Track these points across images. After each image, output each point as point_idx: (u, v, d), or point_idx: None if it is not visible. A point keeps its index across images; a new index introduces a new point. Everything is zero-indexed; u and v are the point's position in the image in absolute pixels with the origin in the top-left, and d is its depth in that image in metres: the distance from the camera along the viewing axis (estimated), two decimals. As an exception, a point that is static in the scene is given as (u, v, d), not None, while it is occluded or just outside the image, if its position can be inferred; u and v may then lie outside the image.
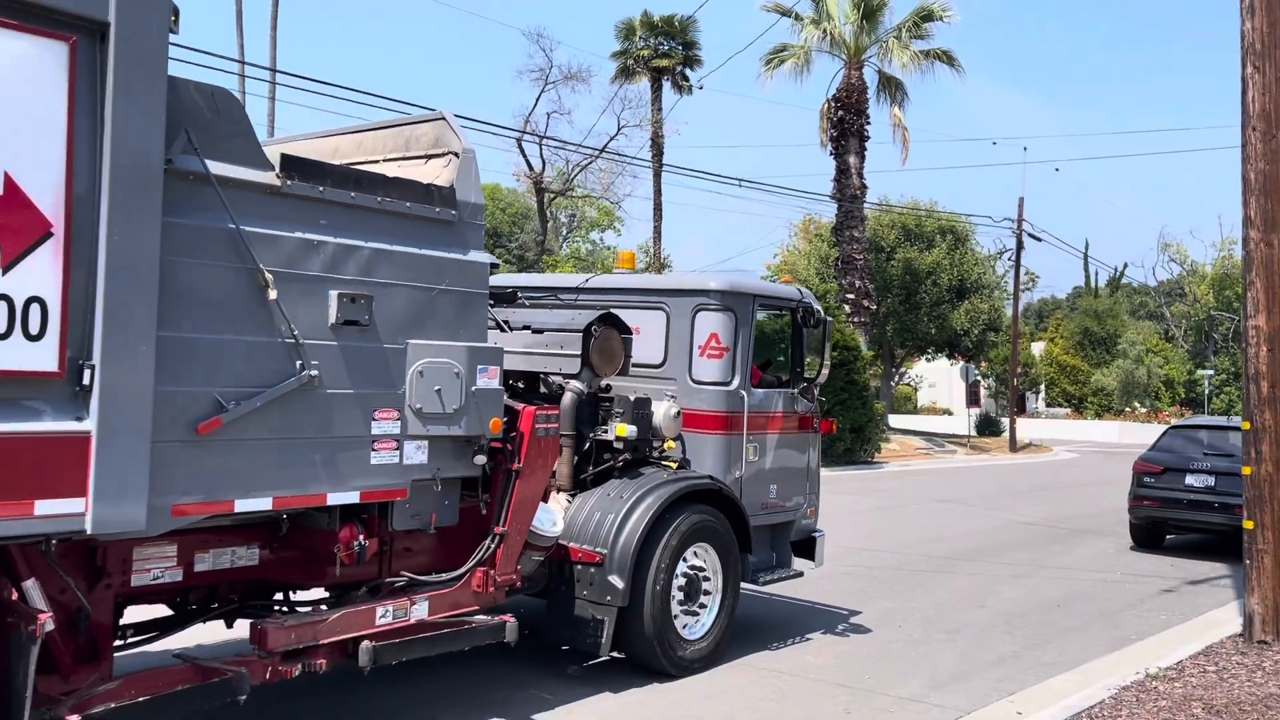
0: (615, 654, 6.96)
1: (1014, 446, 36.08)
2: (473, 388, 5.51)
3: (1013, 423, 36.62)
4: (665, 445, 7.46)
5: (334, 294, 4.96)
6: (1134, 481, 14.00)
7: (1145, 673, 7.19)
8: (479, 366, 5.56)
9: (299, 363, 4.81)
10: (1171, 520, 13.57)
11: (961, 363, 38.00)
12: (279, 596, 5.91)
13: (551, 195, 31.46)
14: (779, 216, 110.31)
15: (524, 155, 29.45)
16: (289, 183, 4.83)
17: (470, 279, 5.59)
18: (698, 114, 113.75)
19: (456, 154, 5.72)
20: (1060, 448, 39.32)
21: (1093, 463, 32.32)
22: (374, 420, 5.14)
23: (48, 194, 3.87)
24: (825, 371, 8.47)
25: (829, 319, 8.64)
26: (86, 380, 3.97)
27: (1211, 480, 13.09)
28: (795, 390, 8.31)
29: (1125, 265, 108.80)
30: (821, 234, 38.17)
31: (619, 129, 28.97)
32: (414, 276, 5.32)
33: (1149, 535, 14.08)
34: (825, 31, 31.29)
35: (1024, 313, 77.88)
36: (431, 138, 6.02)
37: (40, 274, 3.87)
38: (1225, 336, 72.15)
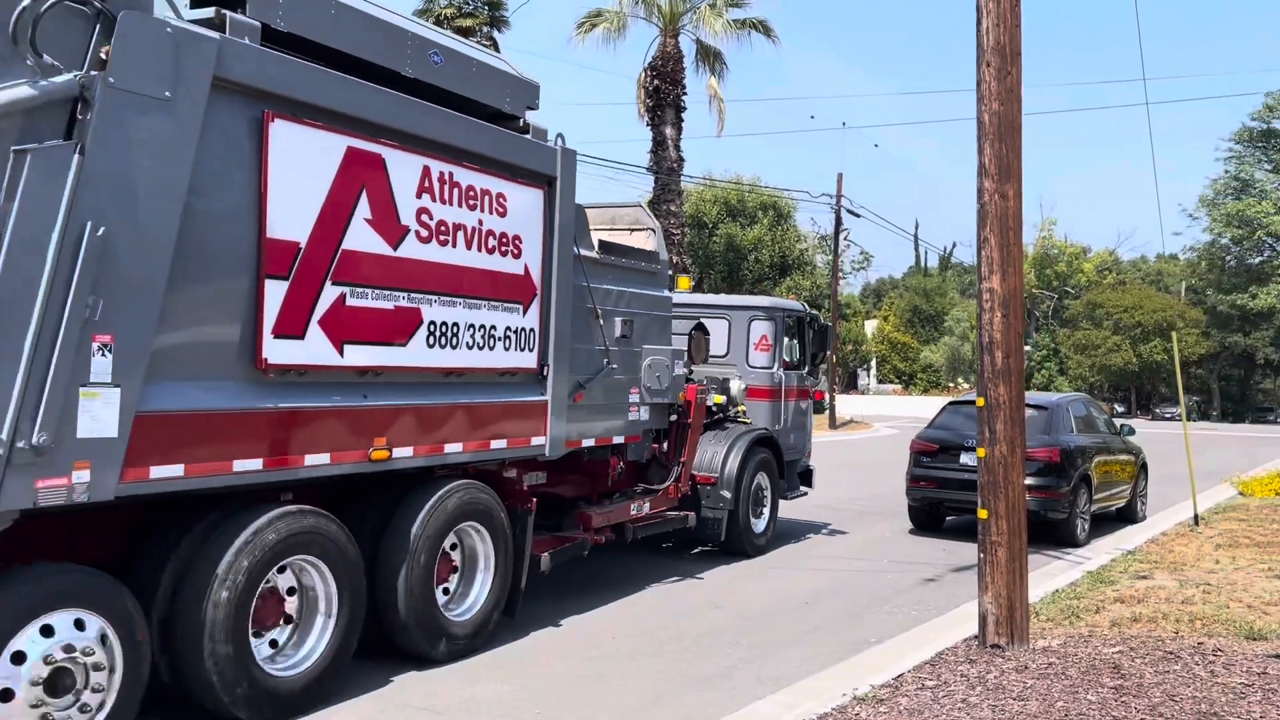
0: (704, 547, 11.17)
1: (833, 424, 35.87)
2: (674, 374, 9.37)
3: (832, 399, 36.41)
4: (739, 408, 11.45)
5: (619, 319, 8.62)
6: (911, 461, 13.24)
7: (853, 694, 6.11)
8: (676, 360, 9.46)
9: (606, 360, 8.38)
10: (948, 502, 12.85)
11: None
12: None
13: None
14: (596, 189, 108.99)
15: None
16: (603, 256, 8.46)
17: (666, 307, 9.50)
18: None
19: (653, 230, 9.83)
20: (882, 424, 39.42)
21: (909, 439, 32.27)
22: (630, 394, 8.88)
23: (536, 272, 7.46)
24: (824, 361, 12.56)
25: (829, 324, 13.23)
26: (545, 374, 7.59)
27: (985, 459, 12.33)
28: (804, 371, 12.71)
29: (954, 245, 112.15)
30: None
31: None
32: (646, 307, 9.12)
33: (926, 517, 13.35)
34: (640, -3, 30.05)
35: (862, 292, 79.12)
36: (633, 217, 10.01)
37: (532, 316, 7.45)
38: (1046, 314, 74.92)
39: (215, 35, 5.20)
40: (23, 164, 4.46)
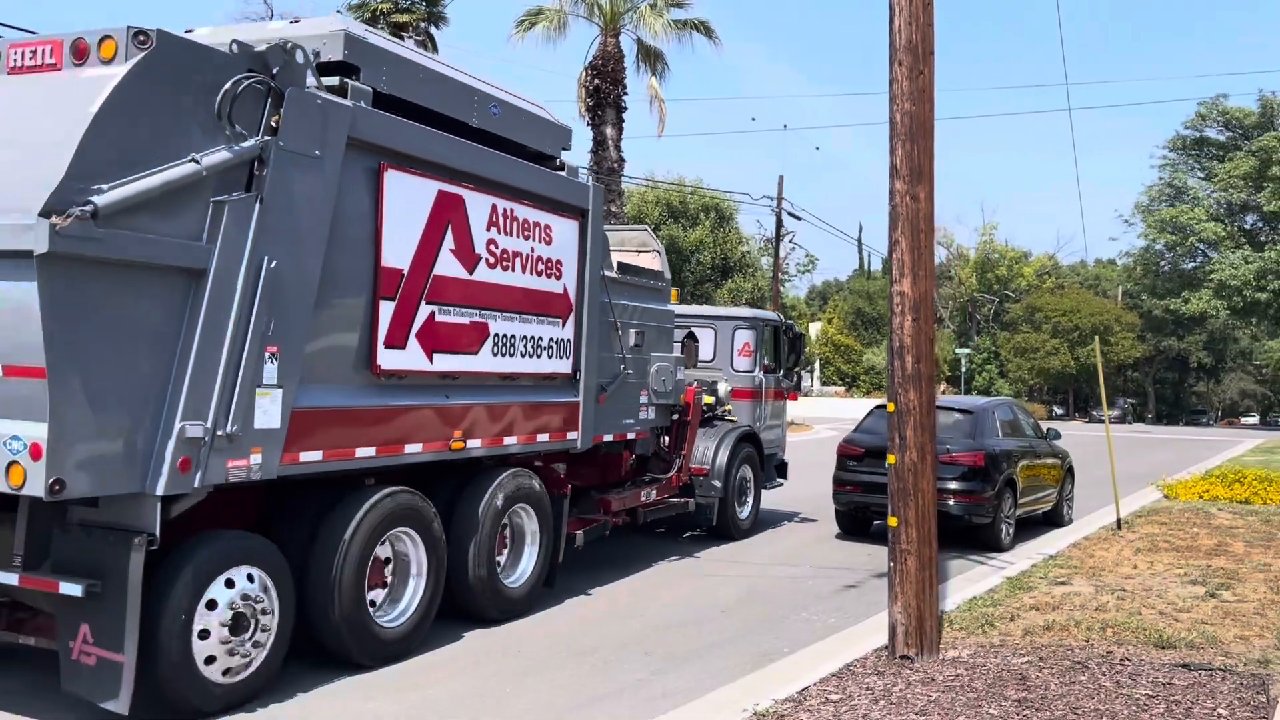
0: (694, 531, 12.56)
1: (775, 426, 35.86)
2: (677, 378, 10.79)
3: (774, 402, 36.41)
4: (726, 408, 12.85)
5: (633, 331, 10.05)
6: (837, 464, 13.11)
7: (754, 709, 5.91)
8: (677, 366, 10.85)
9: (623, 366, 9.83)
10: (874, 506, 12.69)
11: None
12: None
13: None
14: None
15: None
16: (620, 275, 9.89)
17: (669, 319, 11.13)
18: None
19: (658, 251, 11.46)
20: (823, 426, 39.48)
21: (847, 441, 32.29)
22: (641, 396, 10.32)
23: (572, 290, 8.86)
24: (799, 364, 14.79)
25: (802, 333, 14.70)
26: (578, 378, 8.99)
27: (911, 463, 12.23)
28: (780, 374, 14.22)
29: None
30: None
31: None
32: (654, 319, 10.62)
33: (852, 522, 13.24)
34: (580, -5, 29.77)
35: (807, 294, 79.56)
36: (640, 240, 11.53)
37: (569, 328, 8.83)
38: (987, 317, 75.82)
39: (349, 103, 6.52)
40: (221, 212, 5.70)
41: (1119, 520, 12.97)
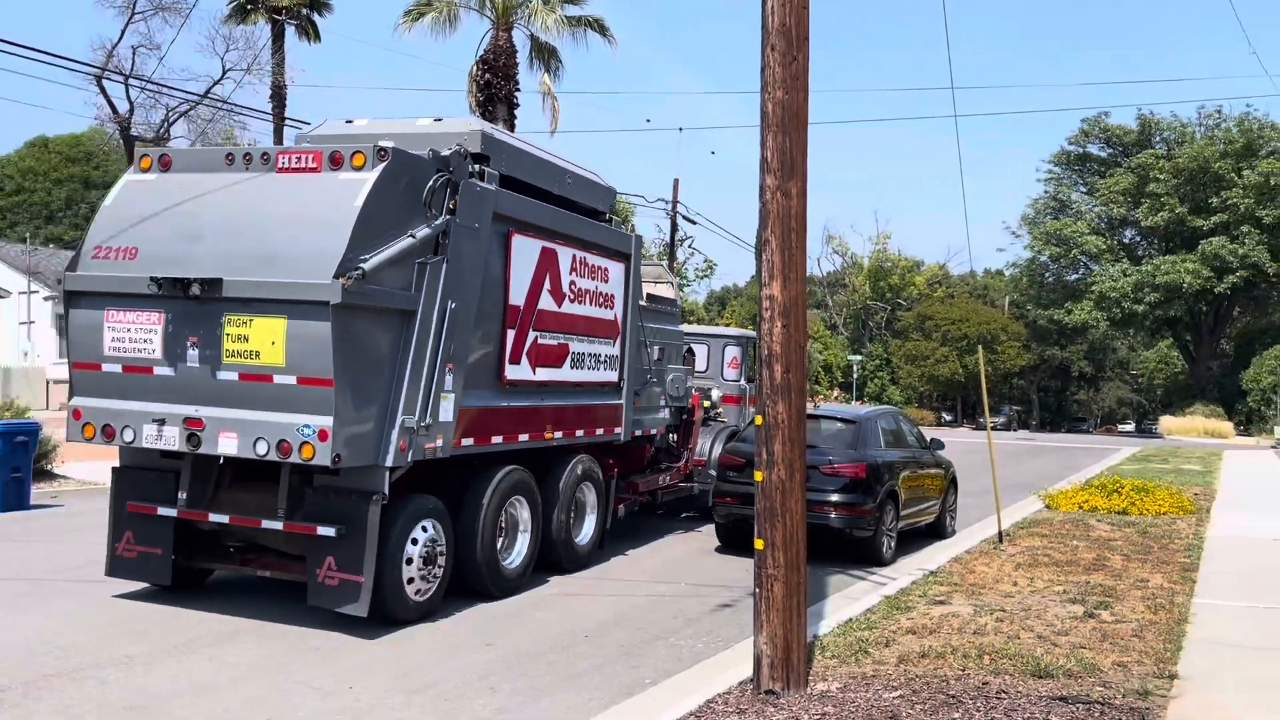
0: (689, 513, 14.92)
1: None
2: (687, 385, 13.67)
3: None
4: (718, 411, 15.70)
5: (656, 347, 12.72)
6: (718, 475, 12.62)
7: (599, 758, 5.30)
8: (686, 376, 13.77)
9: (650, 376, 12.48)
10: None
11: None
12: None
13: (145, 142, 26.89)
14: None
15: (105, 96, 24.98)
16: (649, 304, 12.81)
17: (680, 338, 14.25)
18: (329, 65, 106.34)
19: (671, 282, 15.03)
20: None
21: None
22: (660, 400, 12.99)
23: (620, 318, 11.59)
24: None
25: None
26: (621, 385, 11.71)
27: (792, 474, 11.82)
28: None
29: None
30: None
31: (224, 72, 25.20)
32: (670, 338, 13.51)
33: (733, 535, 12.73)
34: (471, -13, 28.88)
35: (707, 299, 79.63)
36: (656, 273, 15.03)
37: (616, 346, 11.56)
38: (879, 325, 77.01)
39: (493, 188, 9.12)
40: (424, 271, 8.22)
41: (1000, 533, 12.77)
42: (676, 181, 35.80)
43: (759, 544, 6.43)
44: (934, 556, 12.04)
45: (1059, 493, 17.47)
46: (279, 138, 28.62)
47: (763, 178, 6.50)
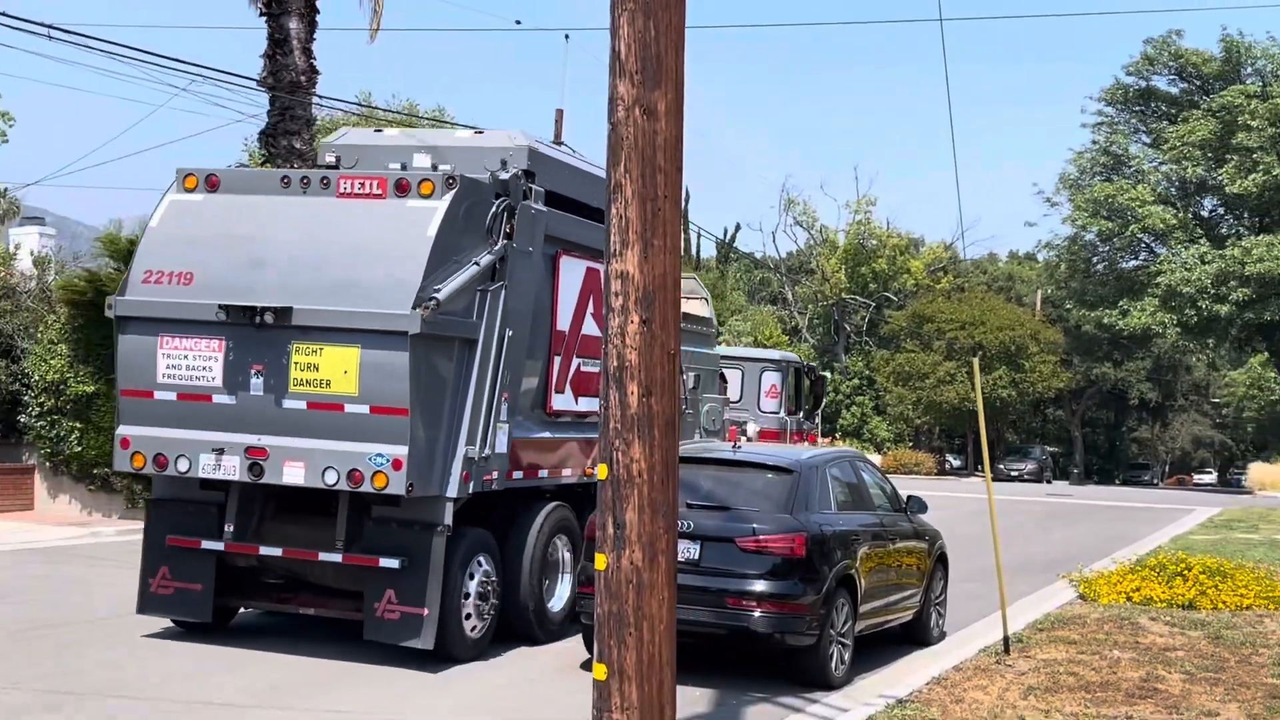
0: None
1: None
2: (723, 418, 20.38)
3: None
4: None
5: (691, 374, 17.80)
6: (583, 553, 12.15)
7: None
8: (725, 407, 21.07)
9: (685, 406, 16.27)
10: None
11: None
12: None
13: None
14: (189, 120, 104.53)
15: None
16: (687, 324, 16.59)
17: (716, 362, 22.42)
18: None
19: (705, 298, 23.32)
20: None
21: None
22: (695, 433, 18.48)
23: None
24: (819, 407, 28.33)
25: (825, 375, 32.65)
26: None
27: (695, 550, 11.42)
28: (801, 415, 26.13)
29: (738, 227, 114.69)
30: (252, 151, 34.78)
31: None
32: (705, 363, 20.93)
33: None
34: None
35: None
36: (688, 287, 19.23)
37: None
38: (859, 330, 77.67)
39: (545, 209, 12.29)
40: (485, 298, 11.36)
41: (1006, 639, 12.53)
42: (560, 113, 35.39)
43: (599, 671, 5.87)
44: (907, 675, 11.91)
45: (1100, 576, 17.39)
46: None
47: (612, 83, 5.97)
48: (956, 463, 74.46)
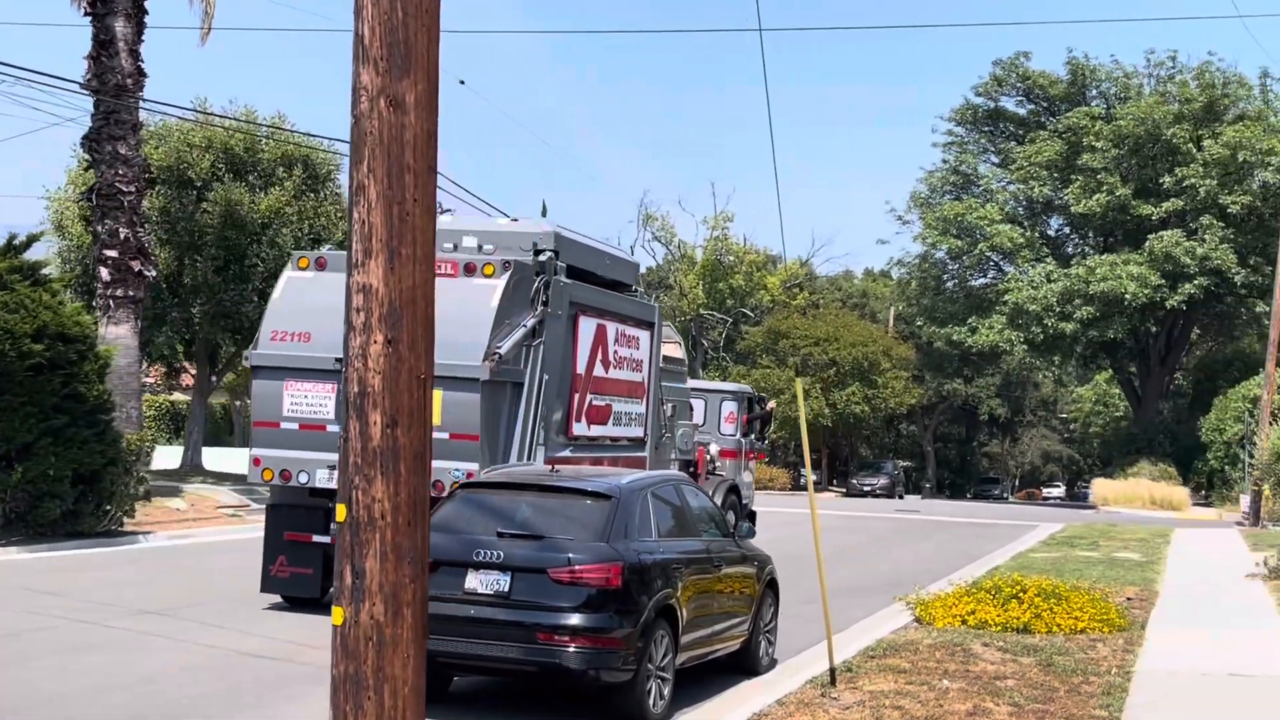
0: None
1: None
2: (693, 440, 24.88)
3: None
4: (716, 464, 26.77)
5: (669, 405, 22.46)
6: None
7: None
8: (694, 431, 25.36)
9: (664, 432, 22.03)
10: (447, 656, 10.97)
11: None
12: None
13: None
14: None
15: None
16: (664, 365, 22.08)
17: (688, 394, 26.03)
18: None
19: (678, 342, 26.84)
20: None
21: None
22: (671, 452, 22.78)
23: (646, 380, 20.56)
24: (767, 434, 35.48)
25: (771, 404, 34.51)
26: (645, 439, 20.68)
27: (505, 581, 10.78)
28: (753, 437, 30.72)
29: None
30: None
31: None
32: (679, 395, 24.35)
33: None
34: None
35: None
36: (667, 333, 23.67)
37: (643, 405, 20.50)
38: (716, 346, 77.62)
39: (569, 281, 17.05)
40: (528, 351, 16.04)
41: (833, 670, 12.01)
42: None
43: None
44: (728, 710, 11.45)
45: (936, 599, 17.01)
46: None
47: (356, 72, 5.23)
48: (813, 477, 74.74)
